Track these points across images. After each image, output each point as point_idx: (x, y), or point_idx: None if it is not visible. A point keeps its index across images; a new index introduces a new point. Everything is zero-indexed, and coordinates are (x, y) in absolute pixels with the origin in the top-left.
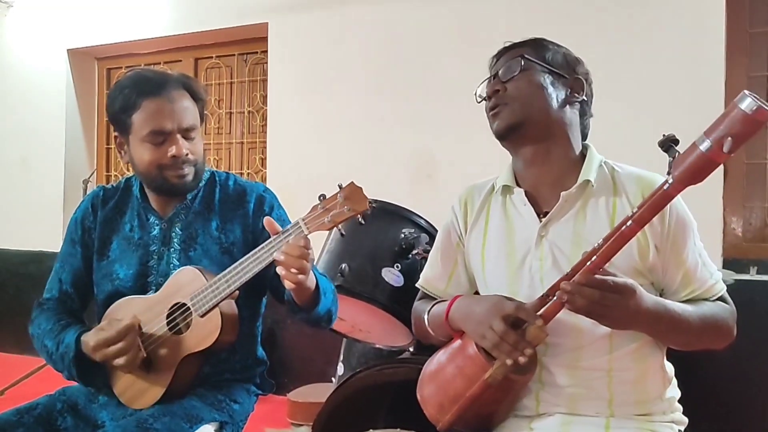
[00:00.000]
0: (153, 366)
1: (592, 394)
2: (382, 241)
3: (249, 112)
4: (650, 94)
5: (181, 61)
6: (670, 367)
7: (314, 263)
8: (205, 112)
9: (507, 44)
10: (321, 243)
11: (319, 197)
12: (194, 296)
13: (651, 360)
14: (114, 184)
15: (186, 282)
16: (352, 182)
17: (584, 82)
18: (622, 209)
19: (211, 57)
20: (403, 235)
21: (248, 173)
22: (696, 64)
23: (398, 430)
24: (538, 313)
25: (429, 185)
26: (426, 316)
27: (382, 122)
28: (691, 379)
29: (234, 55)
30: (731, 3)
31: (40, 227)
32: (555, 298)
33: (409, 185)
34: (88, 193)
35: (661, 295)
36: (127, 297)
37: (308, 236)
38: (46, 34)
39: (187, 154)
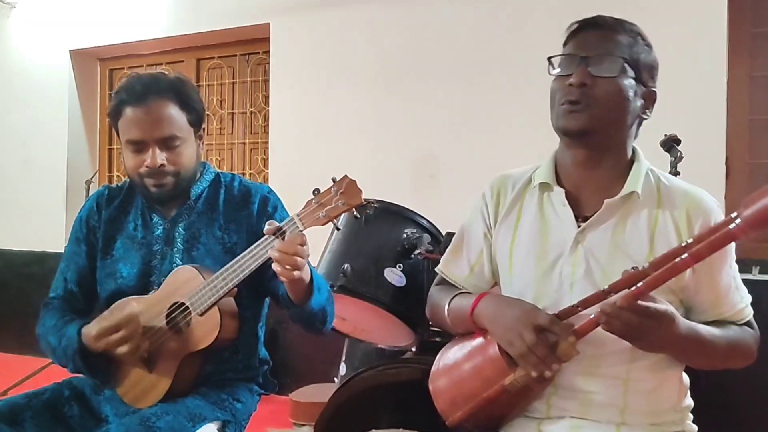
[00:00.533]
0: (154, 366)
1: (606, 402)
2: (385, 241)
3: (251, 112)
4: None
5: (183, 61)
6: (686, 378)
7: (316, 262)
8: (207, 113)
9: (604, 18)
10: (323, 242)
11: (313, 192)
12: (192, 295)
13: (669, 372)
14: (119, 184)
15: (183, 281)
16: (346, 175)
17: (656, 95)
18: (664, 223)
19: (213, 57)
20: (405, 236)
21: (250, 173)
22: (698, 63)
23: (401, 430)
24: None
25: (431, 185)
26: (447, 306)
27: (385, 122)
28: (698, 384)
29: (236, 55)
30: (734, 2)
31: (43, 228)
32: (592, 315)
33: (412, 185)
34: (90, 193)
35: (687, 313)
36: (125, 298)
37: (304, 232)
38: (49, 35)
39: (161, 165)
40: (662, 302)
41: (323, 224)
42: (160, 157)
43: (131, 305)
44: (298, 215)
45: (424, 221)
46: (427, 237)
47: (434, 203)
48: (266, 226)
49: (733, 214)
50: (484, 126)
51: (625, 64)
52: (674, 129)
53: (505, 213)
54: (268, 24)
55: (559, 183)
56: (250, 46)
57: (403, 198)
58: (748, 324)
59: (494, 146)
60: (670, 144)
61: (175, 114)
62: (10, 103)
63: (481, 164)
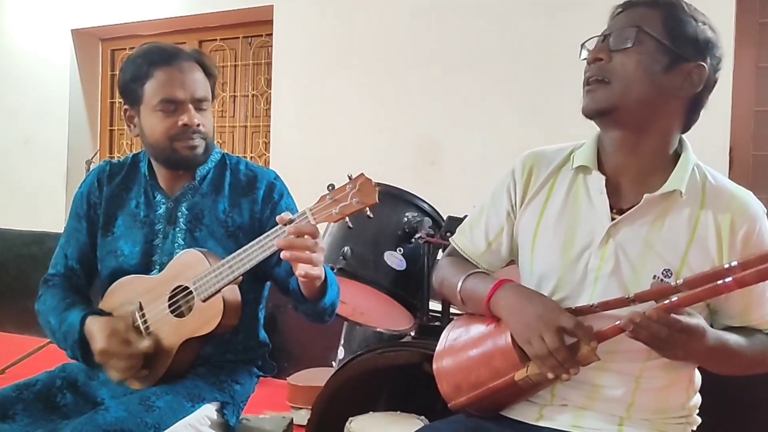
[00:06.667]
0: (153, 348)
1: (614, 396)
2: (385, 224)
3: (253, 95)
4: None
5: (185, 43)
6: (697, 377)
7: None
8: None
9: None
10: (323, 225)
11: (328, 187)
12: (197, 280)
13: (682, 371)
14: (120, 160)
15: (189, 265)
16: (362, 174)
17: (706, 70)
18: (705, 227)
19: (216, 39)
20: (406, 219)
21: (251, 157)
22: None
23: (398, 412)
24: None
25: (433, 171)
26: (459, 284)
27: (387, 108)
28: (703, 377)
29: (239, 37)
30: None
31: (43, 207)
32: (618, 322)
33: (413, 171)
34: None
35: (713, 315)
36: (129, 276)
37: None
38: (51, 15)
39: (198, 125)
40: (694, 315)
41: (335, 221)
42: (196, 117)
43: (132, 286)
44: (310, 209)
45: (425, 205)
46: (428, 221)
47: (436, 189)
48: (278, 219)
49: None
50: (487, 112)
51: (644, 34)
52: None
53: (534, 194)
54: (272, 6)
55: (600, 168)
56: (252, 29)
57: (405, 183)
58: None
59: (496, 134)
60: None
61: (202, 78)
62: (11, 82)
63: (483, 152)
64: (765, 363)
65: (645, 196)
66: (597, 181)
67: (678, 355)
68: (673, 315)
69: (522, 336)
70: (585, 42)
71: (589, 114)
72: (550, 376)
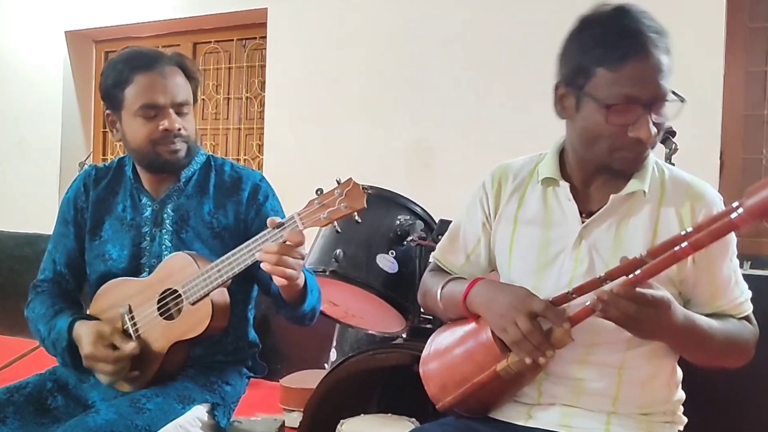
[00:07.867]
0: (142, 351)
1: (599, 390)
2: (378, 227)
3: (247, 98)
4: None
5: (179, 45)
6: (679, 372)
7: (308, 248)
8: (203, 97)
9: (649, 39)
10: (315, 228)
11: (317, 191)
12: (186, 283)
13: (664, 362)
14: (106, 164)
15: (178, 268)
16: (351, 178)
17: None
18: (667, 220)
19: (210, 42)
20: (398, 222)
21: (245, 159)
22: (695, 58)
23: (390, 414)
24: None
25: (426, 174)
26: (439, 292)
27: (380, 110)
28: (690, 376)
29: (233, 40)
30: None
31: (36, 209)
32: (588, 303)
33: (406, 174)
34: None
35: (686, 305)
36: (118, 279)
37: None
38: (44, 16)
39: (179, 129)
40: (659, 288)
41: (323, 226)
42: (177, 121)
43: (121, 289)
44: (298, 214)
45: (417, 208)
46: (420, 224)
47: (429, 192)
48: (269, 222)
49: (735, 204)
50: (480, 116)
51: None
52: (670, 121)
53: (506, 203)
54: (266, 9)
55: (564, 176)
56: (247, 31)
57: (398, 187)
58: (747, 319)
59: (489, 137)
60: (665, 136)
61: (184, 82)
62: (4, 83)
63: (475, 155)
64: (738, 350)
65: (611, 197)
66: (564, 189)
67: (648, 330)
68: (638, 289)
69: (497, 325)
70: (613, 105)
71: (620, 175)
72: (528, 360)
